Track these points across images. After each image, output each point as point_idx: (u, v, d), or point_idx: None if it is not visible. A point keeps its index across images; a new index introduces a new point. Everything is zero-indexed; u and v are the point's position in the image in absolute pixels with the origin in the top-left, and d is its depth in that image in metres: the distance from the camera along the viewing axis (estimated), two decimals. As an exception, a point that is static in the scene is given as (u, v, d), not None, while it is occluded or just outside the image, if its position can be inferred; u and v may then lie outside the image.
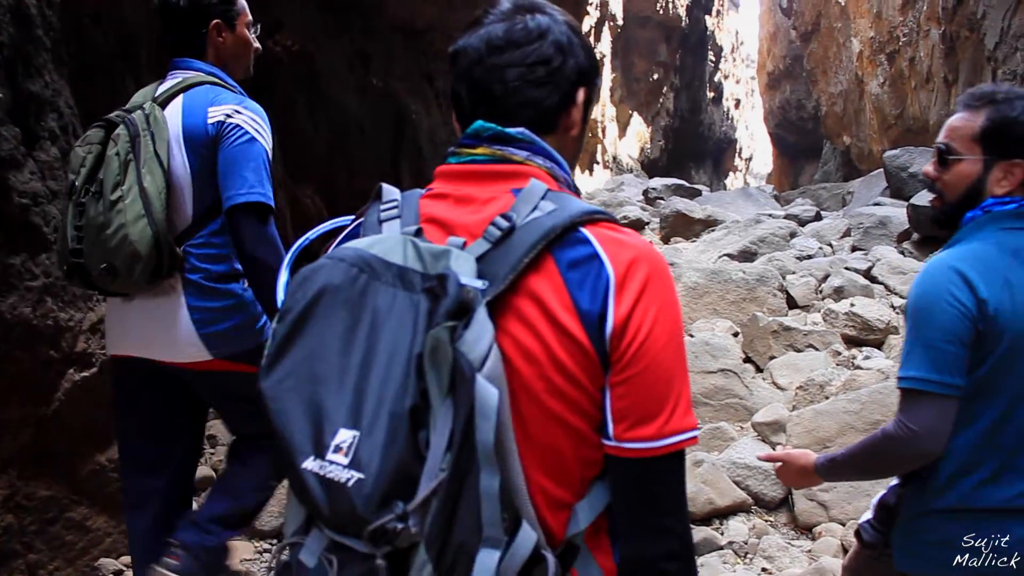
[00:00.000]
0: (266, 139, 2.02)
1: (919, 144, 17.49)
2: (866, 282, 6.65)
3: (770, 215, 11.11)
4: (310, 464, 0.82)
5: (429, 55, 11.30)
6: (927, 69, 18.82)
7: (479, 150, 1.01)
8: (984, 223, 1.54)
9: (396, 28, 9.86)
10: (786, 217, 10.78)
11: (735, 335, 5.68)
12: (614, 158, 29.86)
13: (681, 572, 0.96)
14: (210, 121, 1.97)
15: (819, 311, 6.52)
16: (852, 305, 5.65)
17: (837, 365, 5.06)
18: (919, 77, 19.44)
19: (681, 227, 11.83)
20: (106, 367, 2.68)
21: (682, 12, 31.55)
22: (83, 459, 2.78)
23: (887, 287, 6.59)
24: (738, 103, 43.49)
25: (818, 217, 11.14)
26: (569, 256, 0.93)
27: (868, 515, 1.79)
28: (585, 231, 0.95)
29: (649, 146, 32.27)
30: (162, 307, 1.98)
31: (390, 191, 1.04)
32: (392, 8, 9.41)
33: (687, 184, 20.40)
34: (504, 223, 0.92)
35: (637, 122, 31.68)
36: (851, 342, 5.48)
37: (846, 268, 6.99)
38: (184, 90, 2.03)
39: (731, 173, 43.07)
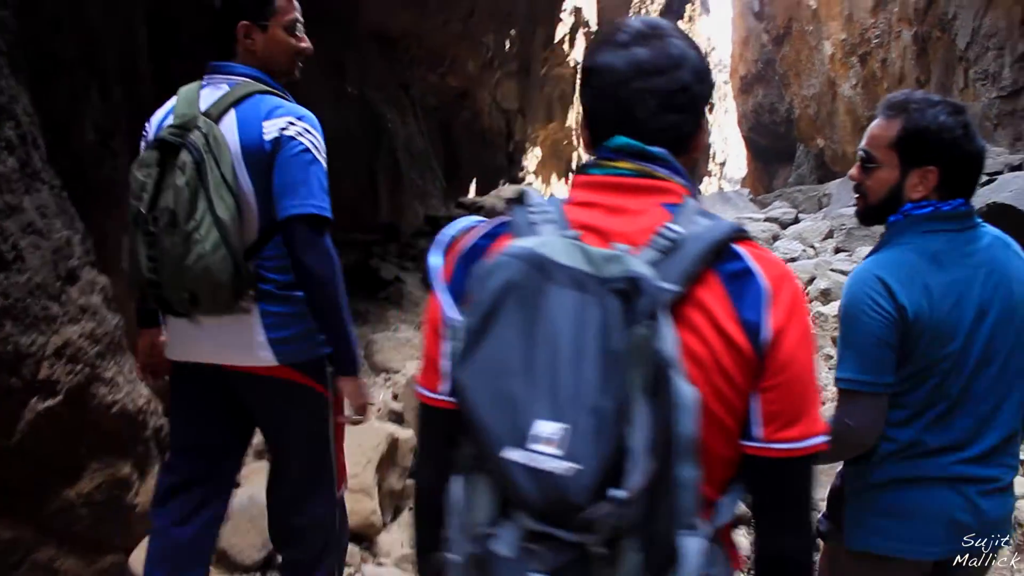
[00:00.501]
0: (320, 150, 2.01)
1: (893, 145, 17.61)
2: (854, 284, 6.60)
3: (750, 218, 11.07)
4: (515, 454, 0.84)
5: (404, 62, 11.14)
6: (900, 70, 18.94)
7: (622, 164, 1.05)
8: (904, 227, 1.69)
9: (371, 36, 9.71)
10: (766, 220, 10.74)
11: (724, 342, 5.59)
12: (590, 164, 29.78)
13: (810, 565, 1.07)
14: (266, 137, 1.95)
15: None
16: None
17: (830, 370, 4.96)
18: (892, 78, 19.56)
19: (662, 232, 11.76)
20: (72, 395, 2.50)
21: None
22: (49, 495, 2.58)
23: (875, 288, 6.54)
24: (711, 108, 43.65)
25: (797, 220, 11.13)
26: (728, 269, 0.99)
27: (822, 510, 1.92)
28: (737, 247, 1.01)
29: (624, 152, 32.20)
30: (236, 316, 2.01)
31: (535, 195, 1.08)
32: (367, 15, 9.25)
33: (664, 189, 20.40)
34: (672, 234, 0.98)
35: (612, 128, 31.58)
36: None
37: (832, 270, 6.93)
38: (236, 103, 1.99)
39: (705, 177, 43.23)
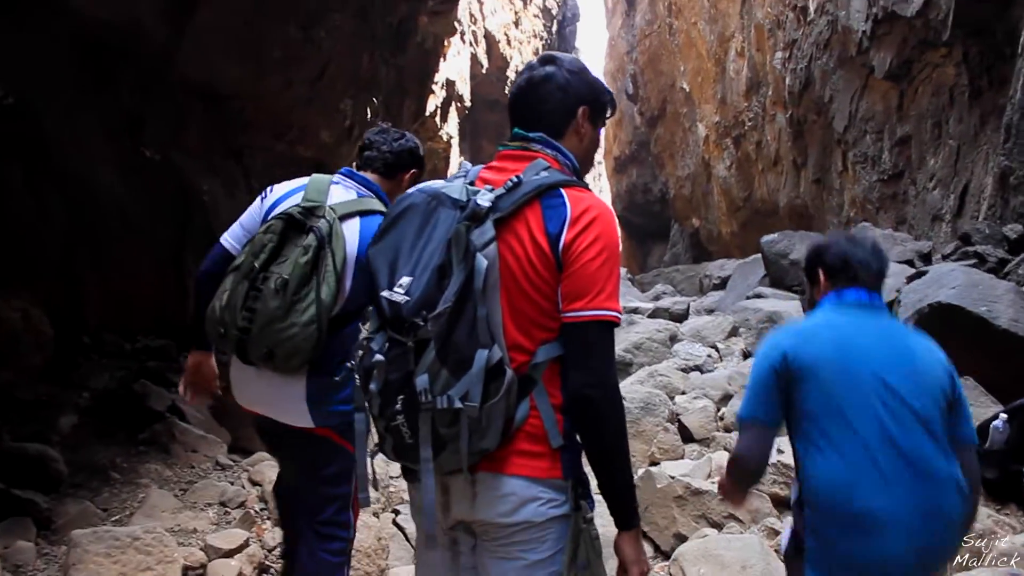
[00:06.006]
0: None
1: (769, 226, 17.00)
2: (778, 406, 5.26)
3: (636, 309, 9.80)
4: (385, 293, 1.59)
5: (237, 126, 9.41)
6: (775, 152, 18.65)
7: (514, 143, 1.80)
8: (813, 311, 2.29)
9: (189, 90, 7.98)
10: (655, 313, 9.50)
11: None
12: (464, 242, 28.59)
13: (600, 397, 1.61)
14: None
15: (723, 445, 5.05)
16: (780, 452, 4.15)
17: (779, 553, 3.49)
18: (766, 160, 19.28)
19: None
20: None
21: (529, 95, 31.16)
22: None
23: (804, 412, 5.20)
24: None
25: (687, 310, 9.94)
26: (548, 203, 1.65)
27: (786, 536, 2.31)
28: (562, 190, 1.66)
29: (500, 230, 31.24)
30: (287, 380, 2.39)
31: (465, 165, 1.82)
32: (182, 65, 7.53)
33: (541, 271, 19.22)
34: (514, 179, 1.66)
35: (487, 205, 30.64)
36: (785, 505, 3.97)
37: (749, 385, 5.60)
38: (362, 214, 2.44)
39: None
